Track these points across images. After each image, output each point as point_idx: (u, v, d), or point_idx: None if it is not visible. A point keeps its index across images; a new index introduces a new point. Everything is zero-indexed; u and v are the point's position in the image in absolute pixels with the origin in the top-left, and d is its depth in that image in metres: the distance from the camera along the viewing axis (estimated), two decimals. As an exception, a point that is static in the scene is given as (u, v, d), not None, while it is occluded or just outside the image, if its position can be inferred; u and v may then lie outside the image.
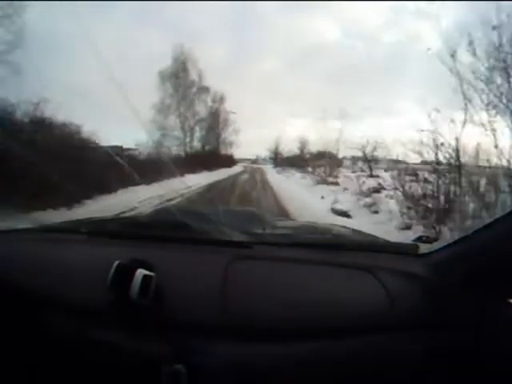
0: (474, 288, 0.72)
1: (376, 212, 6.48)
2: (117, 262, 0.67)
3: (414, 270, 0.81)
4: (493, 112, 4.42)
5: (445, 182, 4.90)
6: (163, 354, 0.63)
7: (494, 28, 4.33)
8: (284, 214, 6.08)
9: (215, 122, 23.90)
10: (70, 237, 0.99)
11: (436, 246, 0.87)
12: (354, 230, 1.30)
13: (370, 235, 1.21)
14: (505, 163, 4.04)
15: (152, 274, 0.67)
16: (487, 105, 4.47)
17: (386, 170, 11.11)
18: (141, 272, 0.66)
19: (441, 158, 5.01)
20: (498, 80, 4.44)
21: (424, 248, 0.89)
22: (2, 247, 0.95)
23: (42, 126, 7.22)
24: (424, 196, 5.11)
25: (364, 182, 9.32)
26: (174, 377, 0.61)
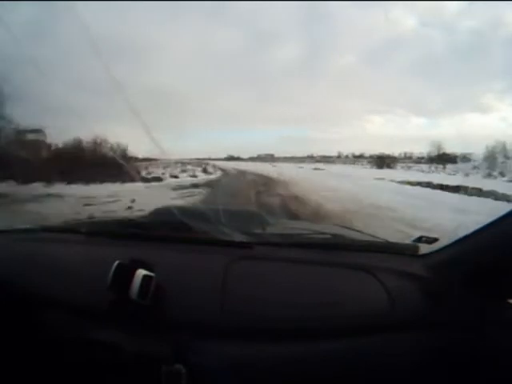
0: (474, 288, 0.71)
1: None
2: (117, 262, 0.67)
3: (414, 270, 0.81)
4: None
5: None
6: (163, 354, 0.63)
7: None
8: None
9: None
10: (69, 237, 0.99)
11: (436, 246, 0.87)
12: (354, 230, 1.30)
13: (370, 235, 1.21)
14: None
15: (152, 274, 0.67)
16: None
17: None
18: (141, 272, 0.66)
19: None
20: None
21: (424, 248, 0.89)
22: (2, 247, 0.95)
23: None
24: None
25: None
26: (174, 377, 0.61)
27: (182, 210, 1.05)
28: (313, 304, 0.71)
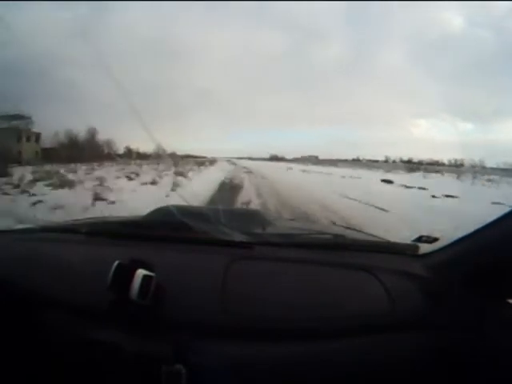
0: (474, 288, 0.71)
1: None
2: (117, 262, 0.67)
3: (414, 270, 0.81)
4: None
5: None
6: (163, 354, 0.63)
7: None
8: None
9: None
10: (70, 237, 0.99)
11: (436, 246, 0.87)
12: (354, 230, 1.30)
13: (370, 235, 1.21)
14: None
15: (152, 274, 0.67)
16: None
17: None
18: (141, 272, 0.66)
19: None
20: None
21: (424, 248, 0.89)
22: (2, 247, 0.95)
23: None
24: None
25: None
26: (174, 377, 0.61)
27: (182, 209, 1.05)
28: (313, 304, 0.71)
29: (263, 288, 0.75)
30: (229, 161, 48.08)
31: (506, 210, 0.67)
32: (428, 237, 0.94)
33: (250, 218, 1.31)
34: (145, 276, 0.66)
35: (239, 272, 0.78)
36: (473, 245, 0.74)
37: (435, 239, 0.92)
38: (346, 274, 0.80)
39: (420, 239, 0.94)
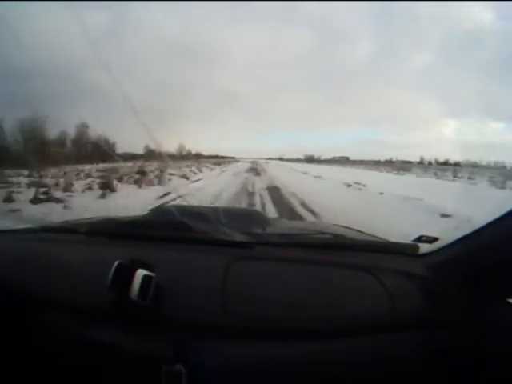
0: (474, 288, 0.71)
1: None
2: (117, 262, 0.68)
3: (414, 270, 0.81)
4: None
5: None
6: (163, 354, 0.63)
7: None
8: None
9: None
10: (69, 237, 0.99)
11: (436, 245, 0.87)
12: (354, 230, 1.30)
13: (370, 235, 1.21)
14: None
15: (152, 274, 0.67)
16: None
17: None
18: (141, 272, 0.66)
19: None
20: None
21: (424, 248, 0.89)
22: (2, 247, 0.95)
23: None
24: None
25: None
26: (174, 377, 0.61)
27: (182, 209, 1.05)
28: (313, 304, 0.71)
29: (263, 288, 0.75)
30: (253, 163, 36.36)
31: (506, 209, 0.66)
32: (428, 237, 0.94)
33: (250, 218, 1.31)
34: (145, 276, 0.66)
35: (239, 272, 0.78)
36: (473, 245, 0.74)
37: (435, 239, 0.92)
38: (346, 273, 0.80)
39: (420, 239, 0.94)
